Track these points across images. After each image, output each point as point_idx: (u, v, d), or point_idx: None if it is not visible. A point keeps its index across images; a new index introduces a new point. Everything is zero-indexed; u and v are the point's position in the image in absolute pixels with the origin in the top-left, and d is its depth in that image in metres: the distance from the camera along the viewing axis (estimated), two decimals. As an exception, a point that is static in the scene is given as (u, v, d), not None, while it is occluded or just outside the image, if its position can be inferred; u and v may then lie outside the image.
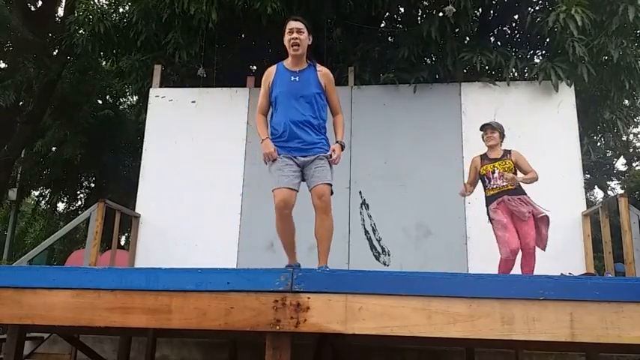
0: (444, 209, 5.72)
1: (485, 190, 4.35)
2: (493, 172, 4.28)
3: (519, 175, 4.29)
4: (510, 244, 4.07)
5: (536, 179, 4.28)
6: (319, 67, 3.46)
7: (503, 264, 4.13)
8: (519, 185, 4.25)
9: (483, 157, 4.44)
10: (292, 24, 3.39)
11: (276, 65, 3.48)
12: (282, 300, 2.15)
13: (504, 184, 4.23)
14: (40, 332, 4.87)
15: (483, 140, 4.49)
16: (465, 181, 4.56)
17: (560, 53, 5.98)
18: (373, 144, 6.14)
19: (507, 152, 4.41)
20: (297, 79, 3.34)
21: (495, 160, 4.35)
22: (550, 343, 2.10)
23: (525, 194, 4.24)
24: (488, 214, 4.33)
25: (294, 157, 3.31)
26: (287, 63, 3.43)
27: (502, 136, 4.46)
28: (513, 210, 4.15)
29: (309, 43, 3.44)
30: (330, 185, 3.30)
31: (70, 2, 9.22)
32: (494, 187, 4.26)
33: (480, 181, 4.43)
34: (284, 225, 3.32)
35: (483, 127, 4.50)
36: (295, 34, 3.34)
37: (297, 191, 3.32)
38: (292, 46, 3.34)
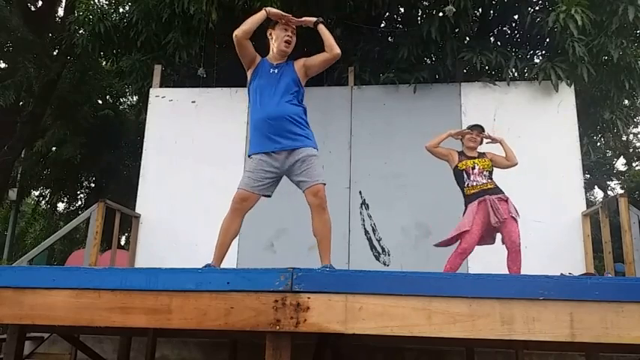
0: (443, 209, 5.70)
1: (464, 188, 4.33)
2: (473, 168, 4.30)
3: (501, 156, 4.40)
4: (466, 242, 4.11)
5: (515, 160, 4.38)
6: (295, 62, 3.51)
7: (454, 258, 4.15)
8: (496, 185, 4.27)
9: (460, 153, 4.46)
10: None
11: (261, 58, 3.54)
12: (282, 300, 2.15)
13: (484, 181, 4.25)
14: (40, 332, 4.87)
15: (462, 138, 4.52)
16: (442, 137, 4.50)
17: (560, 53, 5.98)
18: (373, 144, 6.13)
19: (482, 154, 4.46)
20: (275, 71, 3.41)
21: (474, 157, 4.38)
22: (550, 343, 2.10)
23: (503, 193, 4.25)
24: (465, 211, 4.31)
25: (274, 151, 3.26)
26: (269, 57, 3.50)
27: (480, 142, 4.54)
28: (494, 209, 4.13)
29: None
30: (324, 184, 3.28)
31: (70, 2, 9.22)
32: (474, 184, 4.26)
33: (456, 178, 4.41)
34: (231, 222, 3.30)
35: (473, 127, 4.53)
36: (291, 34, 3.43)
37: (264, 196, 3.31)
38: (285, 42, 3.41)
